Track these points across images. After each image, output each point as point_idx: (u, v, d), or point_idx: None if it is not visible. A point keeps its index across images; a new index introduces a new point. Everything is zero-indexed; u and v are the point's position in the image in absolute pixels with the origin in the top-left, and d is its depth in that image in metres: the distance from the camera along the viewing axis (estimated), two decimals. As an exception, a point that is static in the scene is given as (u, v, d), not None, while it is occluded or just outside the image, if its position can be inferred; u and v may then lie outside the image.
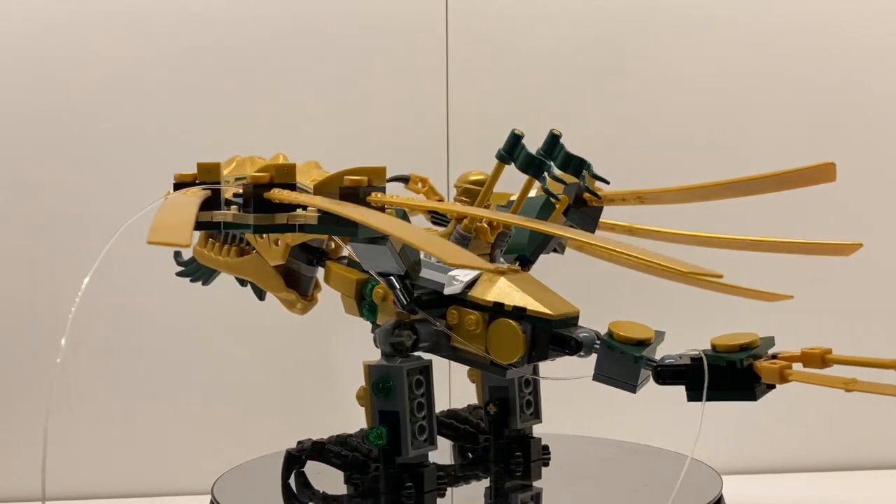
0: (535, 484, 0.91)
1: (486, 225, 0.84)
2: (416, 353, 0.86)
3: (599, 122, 1.27)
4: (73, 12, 1.22)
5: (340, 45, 1.25)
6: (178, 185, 0.80)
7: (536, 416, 0.95)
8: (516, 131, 0.80)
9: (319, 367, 1.26)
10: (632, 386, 0.73)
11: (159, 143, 1.23)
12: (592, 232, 0.88)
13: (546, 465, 0.94)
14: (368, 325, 0.88)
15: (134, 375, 1.24)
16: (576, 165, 0.81)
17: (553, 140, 0.82)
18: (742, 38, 1.29)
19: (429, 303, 0.84)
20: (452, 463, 0.96)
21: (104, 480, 1.23)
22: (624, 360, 0.73)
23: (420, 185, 0.98)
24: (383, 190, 0.78)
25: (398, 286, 0.82)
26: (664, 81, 1.29)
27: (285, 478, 0.90)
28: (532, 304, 0.76)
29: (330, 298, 1.26)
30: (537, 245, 0.87)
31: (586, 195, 0.87)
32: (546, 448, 0.95)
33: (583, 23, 1.28)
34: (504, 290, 0.78)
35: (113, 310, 1.23)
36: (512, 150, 0.80)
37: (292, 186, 0.77)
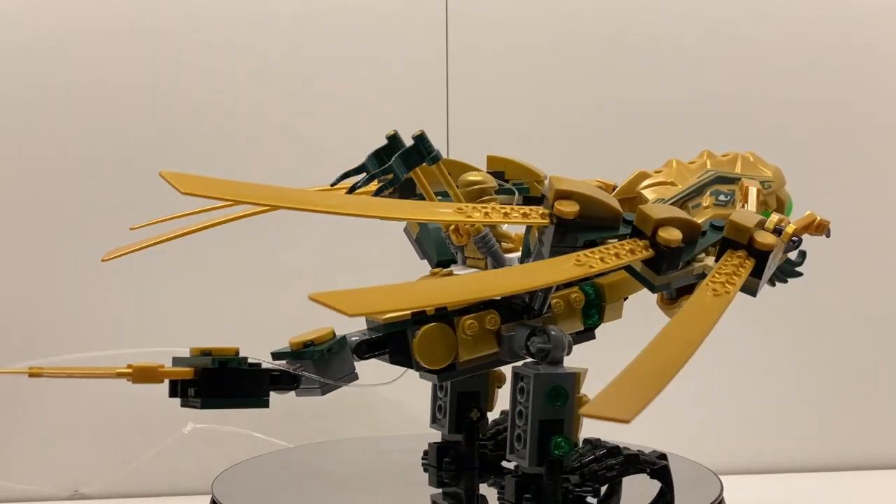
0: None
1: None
2: None
3: (596, 114, 1.28)
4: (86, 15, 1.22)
5: (340, 42, 1.26)
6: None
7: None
8: (389, 134, 0.78)
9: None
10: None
11: (166, 140, 1.23)
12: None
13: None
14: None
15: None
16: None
17: (391, 140, 0.79)
18: (739, 36, 1.30)
19: None
20: None
21: (104, 480, 1.23)
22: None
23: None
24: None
25: None
26: (663, 69, 1.29)
27: None
28: None
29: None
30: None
31: None
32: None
33: (583, 18, 1.28)
34: None
35: (112, 310, 1.23)
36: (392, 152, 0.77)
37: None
